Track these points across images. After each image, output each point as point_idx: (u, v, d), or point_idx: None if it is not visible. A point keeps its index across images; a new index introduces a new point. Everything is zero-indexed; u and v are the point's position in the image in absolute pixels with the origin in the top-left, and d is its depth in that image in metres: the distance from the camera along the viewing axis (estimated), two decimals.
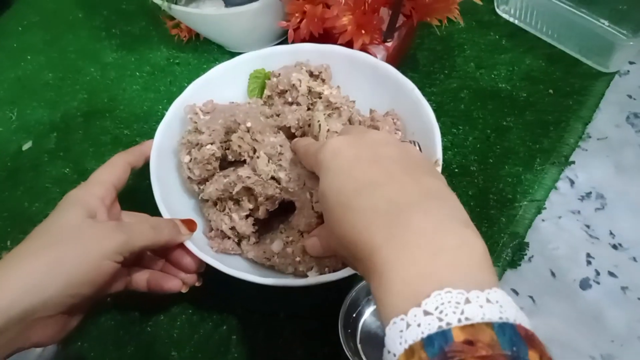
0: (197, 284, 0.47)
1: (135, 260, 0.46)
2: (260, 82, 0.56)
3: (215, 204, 0.49)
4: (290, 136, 0.50)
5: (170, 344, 0.49)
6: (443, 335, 0.22)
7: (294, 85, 0.52)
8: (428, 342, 0.22)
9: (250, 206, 0.47)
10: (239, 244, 0.49)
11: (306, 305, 0.50)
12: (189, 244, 0.45)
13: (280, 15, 0.62)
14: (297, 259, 0.45)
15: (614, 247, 0.51)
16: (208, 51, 0.71)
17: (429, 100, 0.49)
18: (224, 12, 0.62)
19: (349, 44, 0.55)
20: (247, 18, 0.62)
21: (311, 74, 0.54)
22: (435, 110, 0.48)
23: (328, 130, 0.48)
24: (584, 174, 0.56)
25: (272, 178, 0.46)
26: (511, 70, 0.64)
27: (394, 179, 0.30)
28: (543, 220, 0.53)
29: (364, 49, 0.56)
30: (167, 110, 0.52)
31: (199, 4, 0.67)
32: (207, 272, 0.46)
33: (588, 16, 0.63)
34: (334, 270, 0.43)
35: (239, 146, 0.47)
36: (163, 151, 0.50)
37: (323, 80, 0.54)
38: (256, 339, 0.49)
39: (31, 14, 0.81)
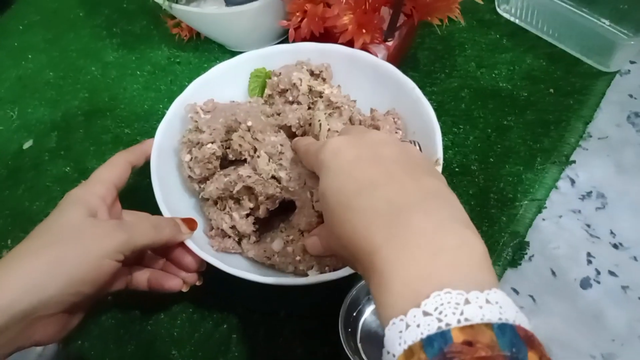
0: (197, 283, 0.47)
1: (136, 259, 0.46)
2: (261, 81, 0.56)
3: (215, 202, 0.49)
4: (291, 135, 0.50)
5: (170, 343, 0.49)
6: (442, 336, 0.22)
7: (294, 84, 0.52)
8: (427, 342, 0.22)
9: (251, 205, 0.47)
10: (239, 242, 0.49)
11: (306, 304, 0.50)
12: (189, 243, 0.45)
13: (281, 14, 0.62)
14: (298, 258, 0.45)
15: (615, 246, 0.51)
16: (209, 50, 0.71)
17: (429, 99, 0.49)
18: (225, 11, 0.62)
19: (350, 43, 0.55)
20: (248, 17, 0.62)
21: (312, 73, 0.54)
22: (435, 110, 0.48)
23: (329, 129, 0.48)
24: (585, 174, 0.56)
25: (273, 177, 0.46)
26: (512, 69, 0.64)
27: (394, 179, 0.30)
28: (543, 219, 0.53)
29: (364, 48, 0.56)
30: (167, 109, 0.52)
31: (200, 3, 0.67)
32: (208, 271, 0.46)
33: (589, 15, 0.63)
34: (335, 270, 0.43)
35: (240, 145, 0.47)
36: (164, 150, 0.50)
37: (324, 80, 0.54)
38: (256, 337, 0.49)
39: (32, 13, 0.81)
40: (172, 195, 0.49)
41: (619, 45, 0.59)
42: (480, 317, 0.22)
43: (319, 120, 0.48)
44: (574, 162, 0.56)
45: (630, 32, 0.62)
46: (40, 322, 0.36)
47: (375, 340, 0.46)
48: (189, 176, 0.49)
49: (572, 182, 0.56)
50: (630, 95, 0.61)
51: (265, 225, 0.50)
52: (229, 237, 0.48)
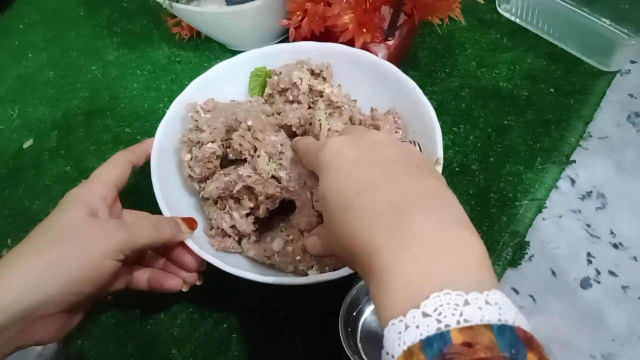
0: (197, 283, 0.47)
1: (136, 258, 0.46)
2: (261, 81, 0.56)
3: (215, 202, 0.49)
4: (291, 135, 0.50)
5: (170, 342, 0.49)
6: (442, 337, 0.22)
7: (295, 83, 0.52)
8: (427, 344, 0.22)
9: (251, 205, 0.47)
10: (239, 242, 0.49)
11: (306, 304, 0.50)
12: (189, 243, 0.45)
13: (282, 13, 0.62)
14: (298, 257, 0.45)
15: (615, 246, 0.51)
16: (209, 49, 0.71)
17: (430, 99, 0.49)
18: (225, 10, 0.62)
19: (350, 43, 0.55)
20: (248, 16, 0.62)
21: (312, 73, 0.54)
22: (436, 109, 0.48)
23: (329, 129, 0.47)
24: (585, 173, 0.56)
25: (273, 177, 0.46)
26: (512, 69, 0.64)
27: (394, 179, 0.30)
28: (544, 219, 0.53)
29: (365, 47, 0.56)
30: (168, 108, 0.52)
31: (200, 2, 0.67)
32: (208, 271, 0.46)
33: (589, 15, 0.63)
34: (335, 269, 0.43)
35: (240, 145, 0.47)
36: (164, 149, 0.50)
37: (324, 79, 0.54)
38: (256, 337, 0.49)
39: (32, 12, 0.81)
40: (172, 194, 0.49)
41: (620, 45, 0.59)
42: (480, 318, 0.22)
43: (319, 120, 0.48)
44: (574, 161, 0.56)
45: (631, 31, 0.62)
46: (41, 322, 0.36)
47: (375, 340, 0.46)
48: (189, 175, 0.49)
49: (572, 181, 0.55)
50: (631, 95, 0.61)
51: (265, 224, 0.50)
52: (229, 236, 0.48)
